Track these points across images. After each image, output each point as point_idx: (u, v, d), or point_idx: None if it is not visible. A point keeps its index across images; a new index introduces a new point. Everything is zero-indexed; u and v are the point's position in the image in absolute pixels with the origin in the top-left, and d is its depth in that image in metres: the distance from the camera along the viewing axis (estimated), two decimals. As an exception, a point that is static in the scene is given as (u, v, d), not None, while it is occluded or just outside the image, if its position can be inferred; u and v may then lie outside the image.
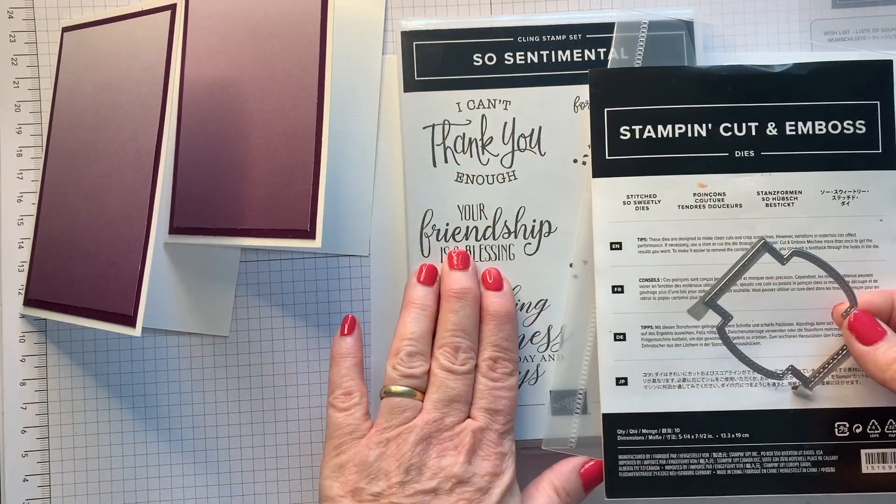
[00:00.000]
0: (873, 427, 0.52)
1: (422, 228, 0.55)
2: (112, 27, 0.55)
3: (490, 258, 0.55)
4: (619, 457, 0.52)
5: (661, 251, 0.52)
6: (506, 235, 0.55)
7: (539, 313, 0.55)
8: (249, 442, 0.57)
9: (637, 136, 0.53)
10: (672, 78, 0.53)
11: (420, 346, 0.52)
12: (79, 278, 0.54)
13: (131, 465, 0.57)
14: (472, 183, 0.55)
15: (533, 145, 0.55)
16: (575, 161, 0.55)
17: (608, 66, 0.54)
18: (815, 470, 0.51)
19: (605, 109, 0.53)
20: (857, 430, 0.52)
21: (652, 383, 0.52)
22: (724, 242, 0.52)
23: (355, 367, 0.53)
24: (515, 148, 0.55)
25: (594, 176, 0.53)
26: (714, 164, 0.52)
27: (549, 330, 0.55)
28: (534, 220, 0.55)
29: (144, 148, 0.52)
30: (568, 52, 0.55)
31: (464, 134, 0.55)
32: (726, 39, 0.57)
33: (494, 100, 0.55)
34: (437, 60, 0.55)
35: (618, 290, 0.52)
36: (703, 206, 0.52)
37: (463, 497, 0.49)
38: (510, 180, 0.55)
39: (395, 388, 0.51)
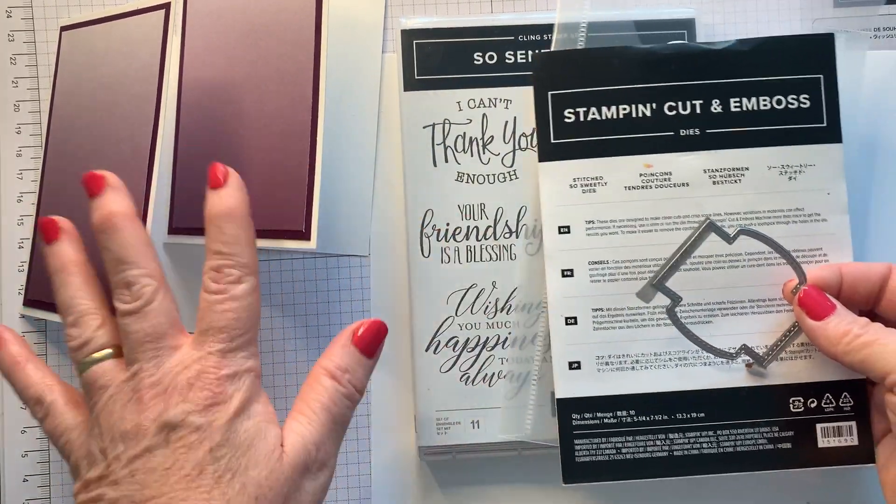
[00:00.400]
0: (828, 401, 0.51)
1: (422, 228, 0.55)
2: (109, 26, 0.55)
3: (491, 258, 0.54)
4: (575, 441, 0.52)
5: (610, 233, 0.52)
6: (507, 235, 0.54)
7: (541, 314, 0.54)
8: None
9: (581, 119, 0.52)
10: (615, 58, 0.52)
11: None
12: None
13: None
14: (473, 182, 0.55)
15: (534, 144, 0.54)
16: None
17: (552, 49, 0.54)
18: (771, 447, 0.51)
19: (549, 93, 0.52)
20: (812, 405, 0.52)
21: (605, 366, 0.52)
22: (673, 222, 0.52)
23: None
24: (516, 147, 0.55)
25: (540, 160, 0.52)
26: (659, 144, 0.52)
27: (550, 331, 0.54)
28: (535, 220, 0.54)
29: (140, 148, 0.51)
30: (570, 50, 0.55)
31: (464, 133, 0.55)
32: (728, 38, 0.56)
33: (495, 99, 0.55)
34: (438, 59, 0.55)
35: (567, 273, 0.52)
36: (650, 187, 0.52)
37: (180, 444, 0.43)
38: (511, 180, 0.55)
39: (85, 360, 0.46)
